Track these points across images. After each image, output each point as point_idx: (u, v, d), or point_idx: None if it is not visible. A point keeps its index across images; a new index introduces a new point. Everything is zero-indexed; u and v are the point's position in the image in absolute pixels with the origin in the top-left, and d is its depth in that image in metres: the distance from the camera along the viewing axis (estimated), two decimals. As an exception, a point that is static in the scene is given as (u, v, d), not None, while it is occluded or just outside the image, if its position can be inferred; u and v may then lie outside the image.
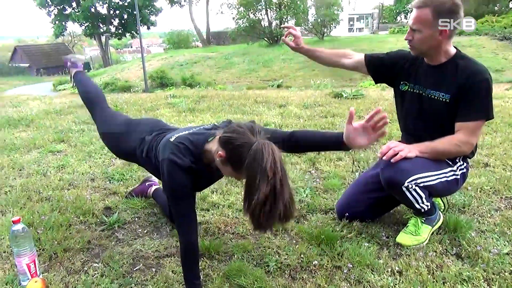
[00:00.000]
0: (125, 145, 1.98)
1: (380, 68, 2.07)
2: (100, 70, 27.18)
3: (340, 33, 25.81)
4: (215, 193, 2.55)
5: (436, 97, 1.85)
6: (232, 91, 6.78)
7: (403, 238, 1.93)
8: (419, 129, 1.98)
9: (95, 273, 1.82)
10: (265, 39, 21.62)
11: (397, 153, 1.71)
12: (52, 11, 33.83)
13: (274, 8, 21.31)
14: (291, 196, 1.34)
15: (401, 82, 2.01)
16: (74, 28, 36.51)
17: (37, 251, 1.97)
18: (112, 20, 35.26)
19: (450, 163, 1.88)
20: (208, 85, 13.91)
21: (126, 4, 34.35)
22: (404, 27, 23.96)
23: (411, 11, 1.79)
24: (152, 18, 35.03)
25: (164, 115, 4.45)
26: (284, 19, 20.60)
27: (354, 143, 1.51)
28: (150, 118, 2.05)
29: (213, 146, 1.52)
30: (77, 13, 32.60)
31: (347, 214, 2.11)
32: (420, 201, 1.82)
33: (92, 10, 33.14)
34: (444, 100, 1.82)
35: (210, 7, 35.03)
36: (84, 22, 33.55)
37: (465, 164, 1.94)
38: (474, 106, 1.75)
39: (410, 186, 1.74)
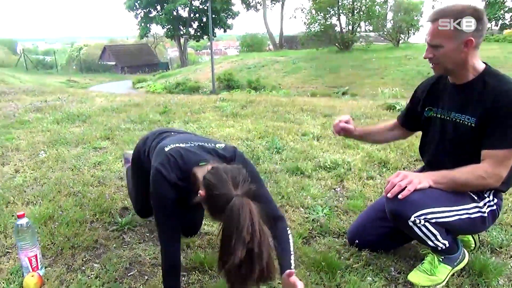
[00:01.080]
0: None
1: (415, 118, 1.88)
2: (176, 70, 28.59)
3: (419, 40, 24.43)
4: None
5: (461, 121, 1.62)
6: (281, 97, 6.68)
7: (416, 276, 1.71)
8: (442, 159, 1.74)
9: (91, 274, 1.86)
10: (336, 44, 21.15)
11: (405, 187, 1.50)
12: (139, 14, 36.43)
13: (348, 13, 20.77)
14: (270, 259, 1.25)
15: (426, 109, 1.80)
16: (157, 30, 38.88)
17: (47, 245, 2.08)
18: (192, 23, 36.99)
19: (475, 197, 1.63)
20: (273, 89, 13.95)
21: (205, 7, 35.78)
22: (492, 35, 21.96)
23: (431, 24, 1.58)
24: (229, 21, 36.20)
25: (207, 119, 4.50)
26: (357, 25, 19.98)
27: None
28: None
29: (200, 174, 1.44)
30: (160, 16, 34.73)
31: (357, 241, 1.93)
32: (433, 238, 1.59)
33: (174, 13, 35.11)
34: (469, 124, 1.59)
35: (284, 11, 35.15)
36: (166, 24, 35.67)
37: (495, 200, 1.66)
38: (504, 132, 1.50)
39: (418, 221, 1.52)
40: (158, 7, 35.71)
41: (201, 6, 36.03)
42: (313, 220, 2.28)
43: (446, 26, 1.50)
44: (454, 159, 1.65)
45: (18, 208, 2.49)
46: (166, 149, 1.59)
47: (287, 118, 4.44)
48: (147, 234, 2.23)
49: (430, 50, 1.59)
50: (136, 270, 1.89)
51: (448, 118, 1.67)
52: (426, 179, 1.54)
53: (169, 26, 35.86)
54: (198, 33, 37.89)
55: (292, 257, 1.52)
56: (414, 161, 3.09)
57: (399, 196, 1.49)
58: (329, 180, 2.80)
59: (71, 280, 1.82)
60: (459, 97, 1.64)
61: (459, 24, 1.49)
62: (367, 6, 20.10)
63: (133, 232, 2.25)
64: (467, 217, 1.58)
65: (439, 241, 1.59)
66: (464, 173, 1.55)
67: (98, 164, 3.24)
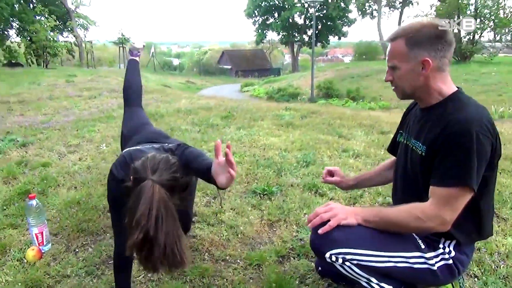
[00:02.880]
0: (122, 147, 2.19)
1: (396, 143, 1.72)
2: (283, 76, 29.17)
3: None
4: (231, 211, 2.56)
5: (415, 149, 1.45)
6: (347, 109, 6.38)
7: None
8: (400, 191, 1.58)
9: (81, 256, 2.12)
10: (454, 57, 19.23)
11: (328, 221, 1.35)
12: (257, 21, 38.20)
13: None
14: (175, 246, 1.25)
15: (398, 133, 1.65)
16: (272, 36, 40.28)
17: (62, 226, 2.42)
18: (307, 30, 37.35)
19: (423, 245, 1.40)
20: (372, 100, 13.37)
21: (321, 15, 35.87)
22: None
23: (389, 44, 1.44)
24: (345, 28, 35.66)
25: (261, 127, 4.59)
26: (480, 34, 17.90)
27: (216, 180, 1.30)
28: (157, 130, 2.18)
29: None
30: (277, 23, 35.90)
31: (320, 268, 1.84)
32: (365, 280, 1.40)
33: (290, 20, 35.96)
34: (420, 152, 1.40)
35: (403, 19, 33.22)
36: (281, 31, 36.71)
37: (454, 254, 1.40)
38: (449, 167, 1.28)
39: (335, 259, 1.35)
40: (276, 14, 36.99)
41: (317, 14, 36.17)
42: (300, 239, 2.22)
43: (400, 46, 1.37)
44: (408, 194, 1.47)
45: (63, 191, 2.93)
46: (126, 149, 1.76)
47: (339, 132, 4.27)
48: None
49: (389, 72, 1.45)
50: (116, 259, 2.09)
51: (409, 144, 1.50)
52: (354, 216, 1.37)
53: (284, 33, 36.84)
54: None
55: None
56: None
57: (319, 231, 1.35)
58: (342, 201, 2.66)
59: (63, 259, 2.10)
60: (419, 122, 1.47)
61: (413, 43, 1.34)
62: (493, 13, 17.81)
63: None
64: (408, 266, 1.38)
65: (374, 284, 1.41)
66: (400, 212, 1.35)
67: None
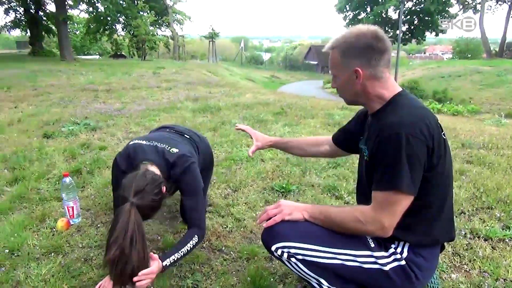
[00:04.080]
0: None
1: (350, 139, 1.69)
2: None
3: None
4: (243, 205, 2.65)
5: (363, 154, 1.45)
6: None
7: None
8: (357, 193, 1.61)
9: (99, 232, 2.38)
10: None
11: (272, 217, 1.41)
12: (348, 15, 37.19)
13: None
14: (143, 263, 1.46)
15: (359, 138, 1.61)
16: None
17: (96, 203, 2.73)
18: (401, 25, 35.38)
19: (373, 244, 1.36)
20: (460, 102, 12.28)
21: (418, 9, 33.69)
22: None
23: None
24: (444, 24, 33.02)
25: (307, 124, 4.56)
26: None
27: None
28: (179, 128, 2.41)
29: None
30: (368, 18, 34.59)
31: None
32: (315, 282, 1.40)
33: (383, 15, 34.37)
34: (366, 158, 1.41)
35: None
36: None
37: (407, 254, 1.34)
38: (381, 172, 1.27)
39: (280, 253, 1.37)
40: (368, 9, 35.65)
41: (413, 8, 34.03)
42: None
43: (335, 56, 1.38)
44: (360, 194, 1.53)
45: (107, 173, 3.28)
46: (130, 142, 1.96)
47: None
48: (165, 214, 2.62)
49: (333, 79, 1.46)
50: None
51: (362, 148, 1.49)
52: (300, 212, 1.41)
53: (375, 28, 35.37)
54: (407, 36, 36.02)
55: (175, 254, 1.69)
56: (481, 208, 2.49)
57: (264, 225, 1.42)
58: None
59: (85, 231, 2.38)
60: (368, 127, 1.46)
61: (345, 54, 1.35)
62: None
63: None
64: (357, 266, 1.34)
65: (325, 286, 1.39)
66: (342, 213, 1.35)
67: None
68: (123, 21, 27.82)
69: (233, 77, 21.78)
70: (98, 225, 2.45)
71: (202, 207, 1.95)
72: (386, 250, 1.36)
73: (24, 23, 23.74)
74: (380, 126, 1.28)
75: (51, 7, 21.92)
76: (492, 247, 2.08)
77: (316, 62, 39.67)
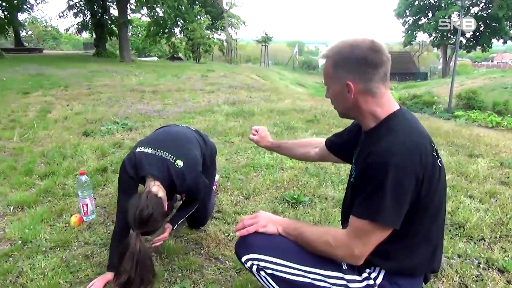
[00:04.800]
0: None
1: (344, 146, 1.60)
2: (425, 81, 26.81)
3: None
4: (251, 213, 2.62)
5: (352, 172, 1.38)
6: (460, 127, 5.52)
7: None
8: (342, 209, 1.53)
9: (108, 230, 2.47)
10: None
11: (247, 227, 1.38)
12: (407, 21, 35.81)
13: None
14: (148, 283, 1.56)
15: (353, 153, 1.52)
16: (423, 38, 37.20)
17: (114, 202, 2.83)
18: (464, 32, 33.47)
19: (345, 266, 1.29)
20: (523, 116, 11.35)
21: (485, 15, 31.68)
22: None
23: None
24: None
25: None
26: None
27: None
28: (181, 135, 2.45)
29: (147, 183, 1.90)
30: (429, 24, 33.11)
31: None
32: None
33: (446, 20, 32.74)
34: (352, 178, 1.34)
35: None
36: (433, 32, 33.72)
37: (381, 281, 1.27)
38: (363, 198, 1.19)
39: (250, 265, 1.34)
40: (429, 14, 34.11)
41: (479, 13, 32.03)
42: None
43: (328, 66, 1.29)
44: (344, 212, 1.45)
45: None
46: (137, 149, 2.01)
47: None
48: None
49: (326, 90, 1.38)
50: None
51: (352, 166, 1.42)
52: (275, 225, 1.37)
53: (436, 35, 33.78)
54: (471, 43, 34.01)
55: (179, 220, 2.10)
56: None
57: (237, 234, 1.40)
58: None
59: (95, 229, 2.48)
60: (360, 145, 1.38)
61: (337, 65, 1.26)
62: None
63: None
64: (327, 287, 1.27)
65: None
66: (314, 233, 1.29)
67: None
68: (181, 25, 28.81)
69: (283, 81, 21.73)
70: (108, 224, 2.55)
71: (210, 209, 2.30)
72: (360, 274, 1.29)
73: (90, 26, 25.36)
74: (370, 149, 1.19)
75: (115, 12, 23.20)
76: (507, 281, 1.88)
77: (371, 68, 38.49)
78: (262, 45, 28.93)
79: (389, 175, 1.11)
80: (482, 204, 2.66)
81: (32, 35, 46.29)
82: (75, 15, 24.73)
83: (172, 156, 1.96)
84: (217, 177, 3.04)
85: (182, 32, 29.97)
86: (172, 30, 30.00)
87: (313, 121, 5.11)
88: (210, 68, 15.97)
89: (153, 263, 1.64)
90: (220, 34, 31.27)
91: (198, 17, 26.76)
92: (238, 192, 2.95)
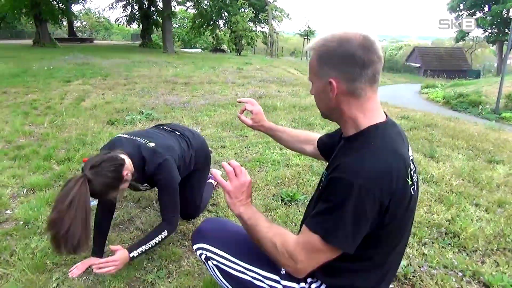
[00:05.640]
0: None
1: (333, 149, 1.41)
2: (475, 80, 25.35)
3: None
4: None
5: (322, 178, 1.28)
6: (489, 130, 5.14)
7: None
8: (301, 221, 1.44)
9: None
10: None
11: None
12: (461, 15, 33.97)
13: None
14: (76, 231, 1.48)
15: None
16: (477, 33, 35.15)
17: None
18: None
19: (283, 271, 1.24)
20: None
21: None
22: None
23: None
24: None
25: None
26: None
27: None
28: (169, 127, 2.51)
29: None
30: (485, 18, 31.28)
31: None
32: None
33: (504, 15, 30.69)
34: (321, 185, 1.26)
35: None
36: (489, 27, 31.83)
37: None
38: (323, 210, 1.07)
39: (200, 255, 1.36)
40: (485, 8, 32.18)
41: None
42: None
43: (313, 60, 1.15)
44: (304, 218, 1.35)
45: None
46: (117, 135, 2.12)
47: (434, 151, 3.65)
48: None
49: (311, 86, 1.24)
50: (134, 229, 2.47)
51: (324, 172, 1.30)
52: (241, 206, 1.18)
53: (493, 30, 31.83)
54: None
55: (142, 246, 1.83)
56: None
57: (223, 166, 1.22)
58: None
59: (94, 213, 2.59)
60: (336, 152, 1.25)
61: (322, 60, 1.11)
62: None
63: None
64: (264, 287, 1.26)
65: None
66: (267, 230, 1.16)
67: (223, 147, 3.92)
68: (225, 17, 29.15)
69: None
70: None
71: (174, 203, 2.01)
72: (297, 283, 1.24)
73: (138, 17, 26.28)
74: (340, 161, 1.09)
75: (162, 4, 23.89)
76: (488, 297, 1.77)
77: (419, 65, 36.96)
78: (304, 39, 28.60)
79: (352, 196, 1.00)
80: (487, 214, 2.50)
81: (86, 26, 48.64)
82: (124, 7, 25.69)
83: (144, 140, 2.03)
84: (219, 172, 3.09)
85: (226, 25, 30.30)
86: (217, 22, 30.44)
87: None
88: (248, 61, 16.05)
89: (88, 223, 1.53)
90: (263, 27, 31.30)
91: (242, 9, 26.93)
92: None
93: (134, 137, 2.05)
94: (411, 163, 1.13)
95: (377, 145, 1.07)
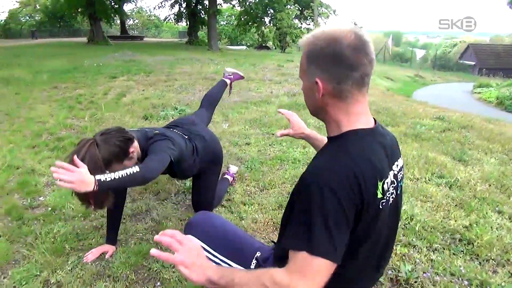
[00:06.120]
0: None
1: None
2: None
3: None
4: (256, 205, 2.68)
5: None
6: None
7: None
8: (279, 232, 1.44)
9: (133, 206, 2.73)
10: None
11: None
12: (523, 10, 31.72)
13: None
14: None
15: None
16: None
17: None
18: None
19: (253, 265, 1.33)
20: None
21: None
22: None
23: None
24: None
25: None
26: None
27: None
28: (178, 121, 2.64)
29: None
30: (550, 13, 29.01)
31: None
32: None
33: None
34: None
35: None
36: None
37: None
38: (292, 224, 1.01)
39: None
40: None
41: None
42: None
43: (302, 58, 1.11)
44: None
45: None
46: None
47: (464, 154, 3.47)
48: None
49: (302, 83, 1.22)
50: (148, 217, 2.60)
51: None
52: (205, 270, 1.01)
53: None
54: None
55: (111, 174, 1.75)
56: None
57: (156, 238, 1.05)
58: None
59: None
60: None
61: (311, 59, 1.07)
62: None
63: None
64: None
65: None
66: (249, 277, 1.02)
67: (235, 144, 3.98)
68: (271, 14, 29.13)
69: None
70: (134, 198, 2.80)
71: (160, 162, 1.91)
72: None
73: (185, 15, 26.99)
74: (312, 162, 1.07)
75: (207, 2, 24.41)
76: None
77: (473, 63, 34.92)
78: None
79: (315, 197, 0.95)
80: (510, 222, 2.37)
81: (138, 24, 50.63)
82: (172, 5, 26.47)
83: (153, 130, 2.16)
84: (235, 168, 3.15)
85: (272, 22, 30.29)
86: (262, 19, 30.51)
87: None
88: (289, 59, 15.98)
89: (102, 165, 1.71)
90: (309, 24, 30.98)
91: (288, 6, 26.79)
92: (255, 183, 3.01)
93: (144, 130, 2.16)
94: (390, 177, 1.07)
95: (348, 151, 1.02)
